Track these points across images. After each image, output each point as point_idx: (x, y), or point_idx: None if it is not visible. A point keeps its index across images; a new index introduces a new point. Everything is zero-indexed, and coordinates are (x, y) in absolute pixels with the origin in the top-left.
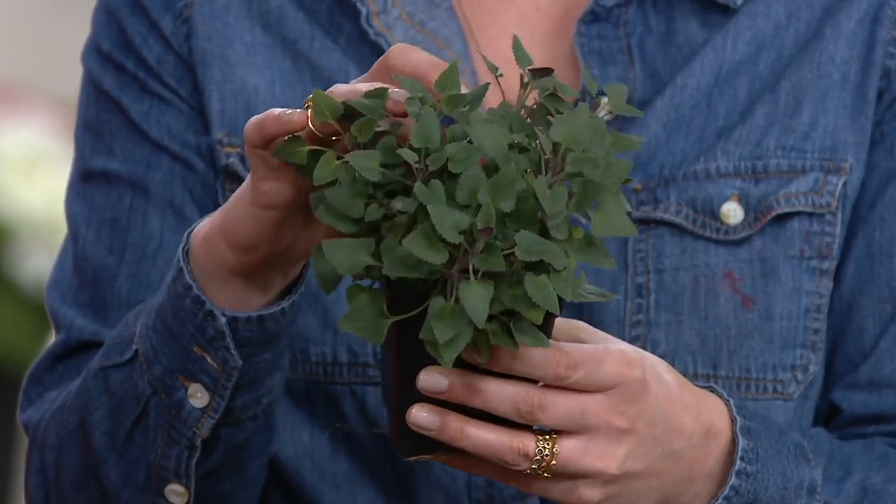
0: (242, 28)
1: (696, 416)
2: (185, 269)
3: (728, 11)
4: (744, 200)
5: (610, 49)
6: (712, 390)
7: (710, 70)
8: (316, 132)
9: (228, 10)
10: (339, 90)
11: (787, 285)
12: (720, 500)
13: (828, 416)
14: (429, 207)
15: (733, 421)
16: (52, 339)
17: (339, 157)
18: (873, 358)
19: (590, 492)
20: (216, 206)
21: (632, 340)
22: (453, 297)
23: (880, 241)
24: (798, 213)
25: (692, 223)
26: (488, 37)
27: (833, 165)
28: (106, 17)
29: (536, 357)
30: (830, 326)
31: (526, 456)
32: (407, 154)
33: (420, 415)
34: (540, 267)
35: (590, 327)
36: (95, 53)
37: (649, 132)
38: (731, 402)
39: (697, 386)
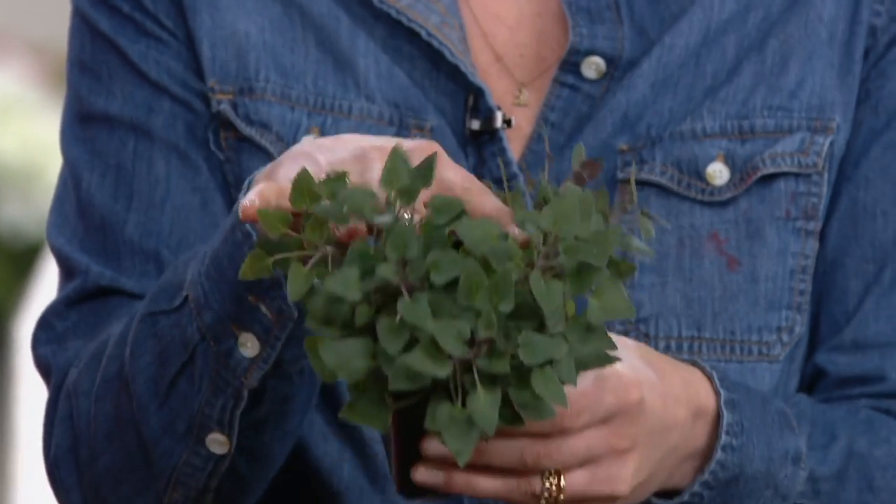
0: None
1: (687, 403)
2: None
3: None
4: (729, 161)
5: (598, 6)
6: (695, 364)
7: (699, 29)
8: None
9: None
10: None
11: (773, 246)
12: (706, 475)
13: (812, 378)
14: (428, 323)
15: (717, 394)
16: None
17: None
18: (857, 319)
19: None
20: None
21: None
22: (459, 401)
23: (864, 200)
24: (784, 174)
25: (677, 184)
26: None
27: (820, 125)
28: None
29: (539, 422)
30: (814, 287)
31: (534, 495)
32: (385, 270)
33: (426, 474)
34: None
35: None
36: None
37: (637, 92)
38: (715, 375)
39: (681, 360)
